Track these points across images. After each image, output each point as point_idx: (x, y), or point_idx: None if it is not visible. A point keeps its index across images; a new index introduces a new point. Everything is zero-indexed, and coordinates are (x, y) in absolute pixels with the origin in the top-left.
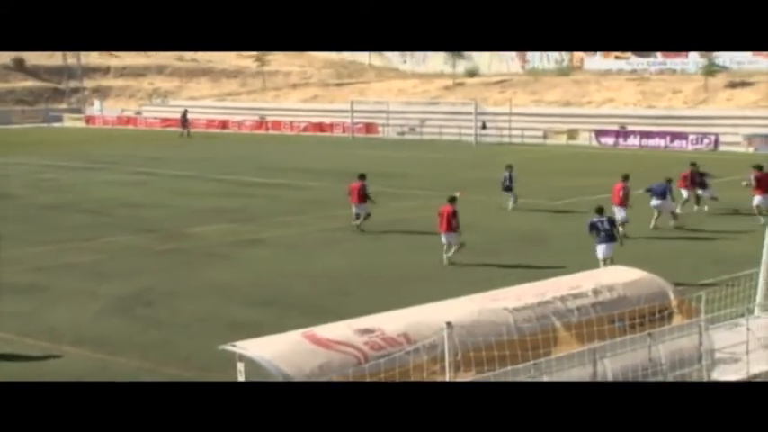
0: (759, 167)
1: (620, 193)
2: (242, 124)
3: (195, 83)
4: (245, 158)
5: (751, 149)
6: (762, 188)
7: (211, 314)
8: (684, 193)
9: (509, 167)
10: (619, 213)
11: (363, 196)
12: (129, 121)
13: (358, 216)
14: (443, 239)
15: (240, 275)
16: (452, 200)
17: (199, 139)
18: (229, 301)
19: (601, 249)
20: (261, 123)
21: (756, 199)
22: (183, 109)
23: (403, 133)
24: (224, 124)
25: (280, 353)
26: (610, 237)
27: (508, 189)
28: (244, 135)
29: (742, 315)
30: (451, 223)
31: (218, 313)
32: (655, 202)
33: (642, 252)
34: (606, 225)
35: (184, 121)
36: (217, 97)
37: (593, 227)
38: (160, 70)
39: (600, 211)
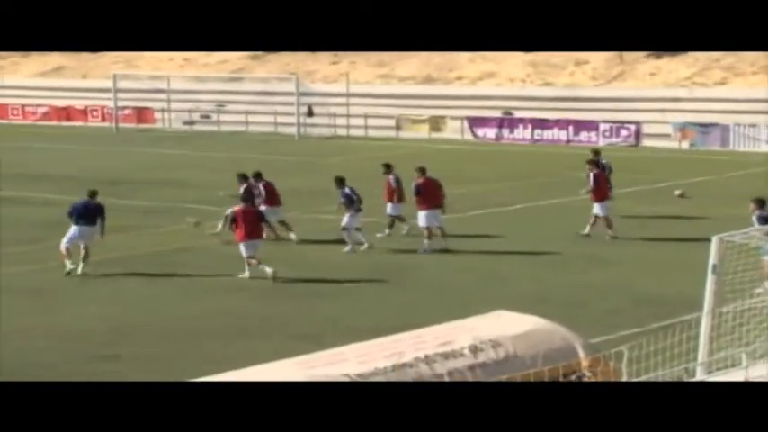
0: (596, 154)
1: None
2: None
3: None
4: None
5: (685, 144)
6: (601, 192)
7: None
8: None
9: (596, 153)
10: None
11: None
12: None
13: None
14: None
15: None
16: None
17: None
18: None
19: None
20: None
21: (596, 207)
22: None
23: (192, 122)
24: None
25: None
26: None
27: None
28: None
29: (679, 378)
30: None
31: None
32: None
33: (535, 289)
34: None
35: None
36: None
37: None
38: None
39: (762, 202)
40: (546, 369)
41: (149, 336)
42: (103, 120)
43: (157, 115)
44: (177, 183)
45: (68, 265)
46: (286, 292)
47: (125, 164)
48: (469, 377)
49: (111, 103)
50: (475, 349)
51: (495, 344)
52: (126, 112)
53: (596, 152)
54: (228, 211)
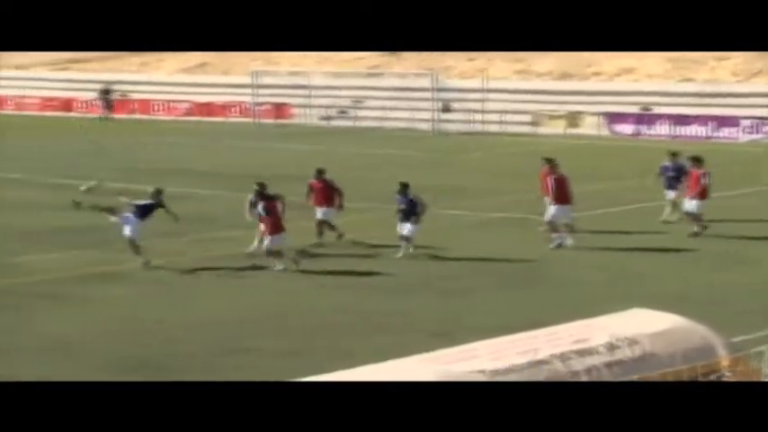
0: (674, 156)
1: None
2: (93, 104)
3: None
4: (96, 154)
5: None
6: (695, 188)
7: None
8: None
9: (672, 155)
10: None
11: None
12: None
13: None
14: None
15: (92, 326)
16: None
17: (36, 125)
18: (77, 363)
19: None
20: (122, 103)
21: (693, 204)
22: (102, 84)
23: (329, 118)
24: (67, 104)
25: None
26: None
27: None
28: (95, 120)
29: None
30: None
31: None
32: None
33: (674, 287)
34: None
35: (106, 101)
36: (55, 65)
37: None
38: None
39: None
40: (684, 368)
41: (281, 329)
42: (243, 115)
43: (295, 111)
44: None
45: (144, 258)
46: (418, 287)
47: (265, 159)
48: (606, 375)
49: (250, 99)
50: (611, 347)
51: (632, 342)
52: (265, 107)
53: (674, 154)
54: (262, 210)
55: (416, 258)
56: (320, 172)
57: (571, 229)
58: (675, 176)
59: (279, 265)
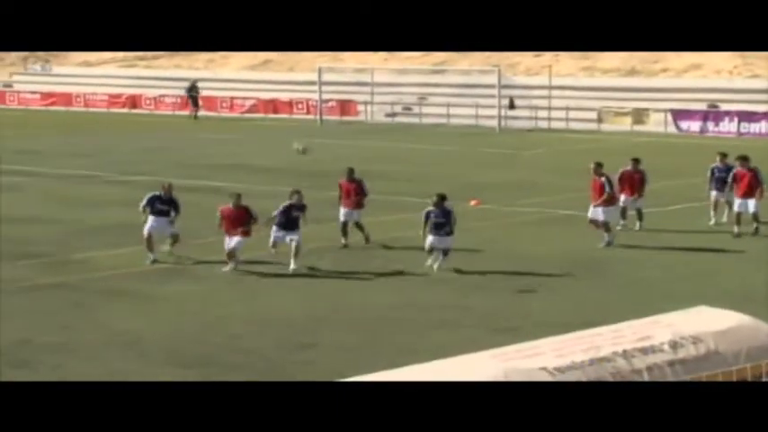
0: (723, 156)
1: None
2: (160, 101)
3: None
4: (162, 151)
5: None
6: (746, 188)
7: (117, 379)
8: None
9: (723, 156)
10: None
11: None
12: None
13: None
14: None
15: (158, 322)
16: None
17: (98, 122)
18: (143, 359)
19: None
20: (188, 100)
21: (752, 204)
22: (189, 82)
23: (394, 115)
24: (134, 101)
25: None
26: None
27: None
28: (161, 117)
29: None
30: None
31: (128, 377)
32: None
33: (738, 286)
34: None
35: (194, 99)
36: (122, 62)
37: None
38: None
39: None
40: (749, 366)
41: (347, 325)
42: (308, 112)
43: (360, 108)
44: (379, 175)
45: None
46: (483, 285)
47: (328, 155)
48: (669, 373)
49: (315, 96)
50: (674, 345)
51: (696, 340)
52: (330, 104)
53: (724, 155)
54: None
55: (479, 254)
56: (351, 172)
57: (607, 227)
58: (724, 178)
59: (228, 266)
